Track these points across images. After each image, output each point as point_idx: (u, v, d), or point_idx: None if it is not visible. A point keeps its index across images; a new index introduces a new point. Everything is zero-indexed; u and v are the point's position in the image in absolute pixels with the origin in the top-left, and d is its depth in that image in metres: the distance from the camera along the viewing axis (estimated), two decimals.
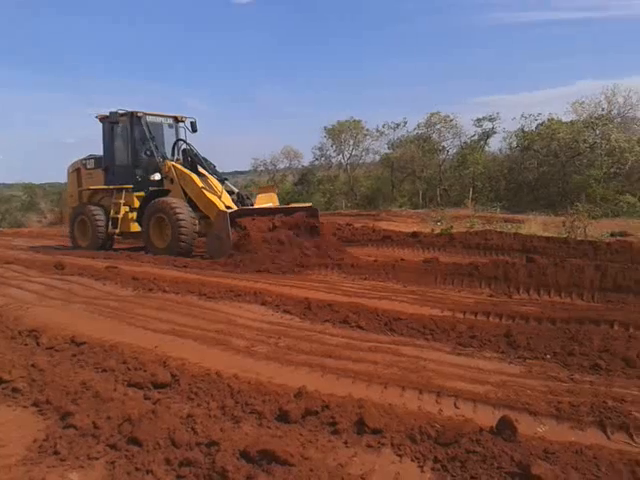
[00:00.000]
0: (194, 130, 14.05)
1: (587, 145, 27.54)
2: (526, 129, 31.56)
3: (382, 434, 3.04)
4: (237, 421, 3.24)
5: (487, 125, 34.19)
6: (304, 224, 11.20)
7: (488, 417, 3.26)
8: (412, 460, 2.83)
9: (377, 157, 37.86)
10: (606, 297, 6.71)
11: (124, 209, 13.23)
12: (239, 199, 12.00)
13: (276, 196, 12.63)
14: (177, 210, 11.51)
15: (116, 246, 14.32)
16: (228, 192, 12.02)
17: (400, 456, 2.86)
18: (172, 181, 12.41)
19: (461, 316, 5.87)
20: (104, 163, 13.92)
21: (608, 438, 3.07)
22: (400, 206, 29.89)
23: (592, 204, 19.33)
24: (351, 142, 36.85)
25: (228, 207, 11.15)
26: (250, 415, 3.34)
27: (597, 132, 27.97)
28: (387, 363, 4.44)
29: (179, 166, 12.42)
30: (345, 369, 4.28)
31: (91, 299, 7.17)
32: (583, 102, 30.22)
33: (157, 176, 12.74)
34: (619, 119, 29.90)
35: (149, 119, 13.37)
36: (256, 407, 3.40)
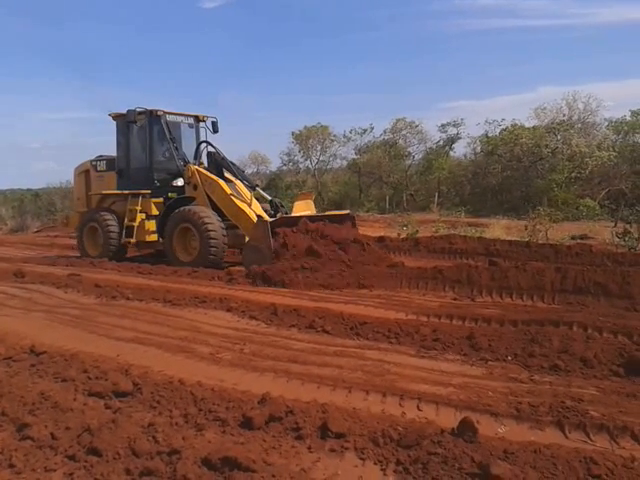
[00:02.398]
0: (215, 130, 12.90)
1: (549, 150, 28.15)
2: (490, 134, 32.09)
3: (345, 438, 3.06)
4: (200, 429, 3.21)
5: (452, 131, 34.64)
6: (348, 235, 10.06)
7: (450, 419, 3.30)
8: (375, 463, 2.85)
9: (344, 162, 37.99)
10: (566, 299, 6.87)
11: (140, 216, 11.75)
12: (272, 207, 11.06)
13: (313, 203, 11.66)
14: (206, 220, 10.36)
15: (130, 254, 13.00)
16: (257, 199, 11.00)
17: (363, 460, 2.88)
18: (195, 187, 11.21)
19: (425, 319, 5.94)
20: (117, 165, 12.50)
21: (566, 437, 3.14)
22: (367, 211, 30.03)
23: (554, 208, 19.72)
24: (318, 147, 36.89)
25: (259, 216, 10.22)
26: (213, 422, 3.31)
27: (558, 137, 28.62)
28: (352, 367, 4.46)
29: (204, 171, 11.26)
30: (310, 374, 4.29)
31: (52, 307, 7.02)
32: (545, 108, 30.88)
33: (180, 182, 11.60)
34: (579, 125, 30.62)
35: (168, 118, 12.04)
36: (220, 414, 3.38)
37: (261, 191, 11.58)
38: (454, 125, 34.26)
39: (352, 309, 6.39)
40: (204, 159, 12.21)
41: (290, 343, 5.26)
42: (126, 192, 12.00)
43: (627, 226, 13.46)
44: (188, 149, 12.40)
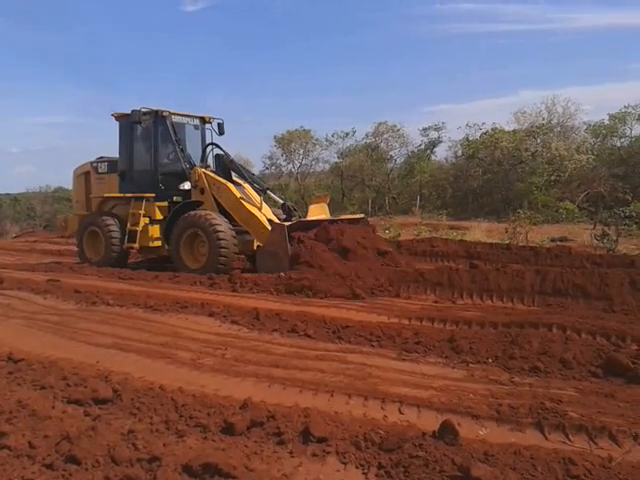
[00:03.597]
0: (221, 133, 12.55)
1: (529, 153, 28.48)
2: (471, 138, 32.38)
3: (327, 442, 3.05)
4: (181, 435, 3.19)
5: (433, 134, 34.92)
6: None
7: (431, 422, 3.32)
8: (357, 467, 2.85)
9: (327, 166, 38.12)
10: (546, 301, 6.95)
11: (144, 221, 11.27)
12: (285, 211, 10.65)
13: (327, 207, 11.18)
14: (216, 225, 9.94)
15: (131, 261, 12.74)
16: (265, 202, 10.74)
17: (345, 464, 2.88)
18: (203, 191, 10.79)
19: (407, 322, 5.97)
20: (120, 167, 11.96)
21: (545, 438, 3.17)
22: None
23: (533, 211, 19.95)
24: (301, 151, 36.94)
25: (271, 220, 10.04)
26: (194, 429, 3.29)
27: (538, 141, 29.00)
28: (334, 371, 4.46)
29: (211, 174, 10.87)
30: (292, 378, 4.28)
31: (31, 314, 6.92)
32: (525, 112, 31.31)
33: (187, 185, 11.15)
34: (559, 128, 31.07)
35: (174, 119, 11.58)
36: (201, 420, 3.36)
37: (272, 194, 11.21)
38: (435, 129, 34.57)
39: (334, 313, 6.40)
40: (210, 162, 11.90)
41: (272, 348, 5.25)
42: (129, 195, 11.58)
43: (605, 228, 13.67)
44: (193, 151, 12.00)
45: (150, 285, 8.82)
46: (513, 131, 30.39)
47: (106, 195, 12.14)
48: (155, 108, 11.28)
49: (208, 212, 10.33)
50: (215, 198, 10.63)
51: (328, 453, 2.97)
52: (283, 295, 7.66)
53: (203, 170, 10.93)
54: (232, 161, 11.34)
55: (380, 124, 35.29)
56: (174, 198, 11.33)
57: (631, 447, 2.92)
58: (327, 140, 36.71)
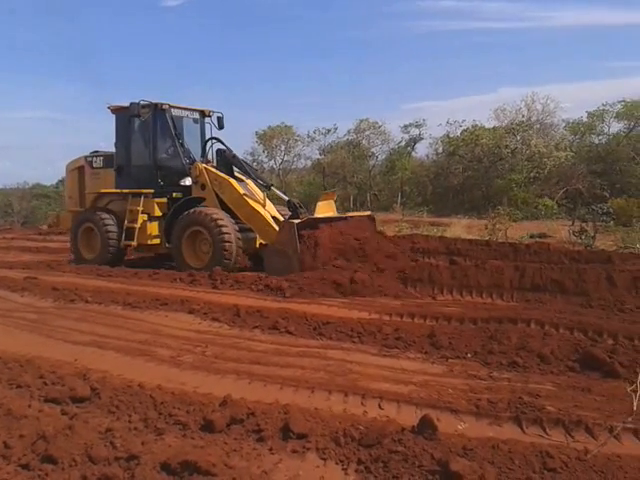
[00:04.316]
0: (221, 127, 12.08)
1: (509, 150, 28.76)
2: (451, 135, 32.62)
3: (307, 439, 3.05)
4: (160, 433, 3.17)
5: (414, 131, 35.14)
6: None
7: (411, 417, 3.33)
8: (336, 463, 2.86)
9: (309, 162, 38.15)
10: (524, 296, 7.03)
11: (142, 218, 10.85)
12: (290, 207, 10.11)
13: (334, 203, 10.69)
14: (220, 223, 9.61)
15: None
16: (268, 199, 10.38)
17: (324, 460, 2.88)
18: (204, 187, 10.42)
19: (387, 318, 5.98)
20: (117, 162, 11.52)
21: (523, 432, 3.21)
22: None
23: (513, 207, 20.20)
24: (282, 147, 36.91)
25: (274, 217, 9.83)
26: (174, 426, 3.27)
27: (518, 138, 29.28)
28: (315, 367, 4.47)
29: (213, 169, 10.48)
30: (273, 375, 4.28)
31: (7, 312, 6.82)
32: (505, 109, 31.59)
33: (188, 181, 10.75)
34: (538, 125, 31.40)
35: (173, 112, 11.13)
36: (180, 418, 3.34)
37: (277, 191, 10.75)
38: (416, 126, 34.79)
39: (315, 309, 6.40)
40: (211, 157, 11.52)
41: (253, 345, 5.23)
42: (126, 191, 11.14)
43: (583, 225, 13.87)
44: (193, 146, 11.60)
45: (129, 282, 8.74)
46: (493, 128, 30.68)
47: (103, 191, 11.65)
48: (154, 101, 10.87)
49: (211, 209, 9.99)
50: (217, 194, 10.30)
51: (308, 449, 2.97)
52: (264, 292, 7.63)
53: (204, 165, 10.58)
54: (234, 156, 10.98)
55: (361, 121, 35.43)
56: (174, 194, 11.00)
57: (606, 440, 2.96)
58: (309, 136, 36.74)
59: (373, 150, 36.39)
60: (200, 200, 10.44)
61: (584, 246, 11.88)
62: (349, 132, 36.03)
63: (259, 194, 10.38)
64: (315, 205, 9.89)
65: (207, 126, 12.11)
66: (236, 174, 10.75)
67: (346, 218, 9.85)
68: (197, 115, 12.01)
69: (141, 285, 8.41)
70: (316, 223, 9.05)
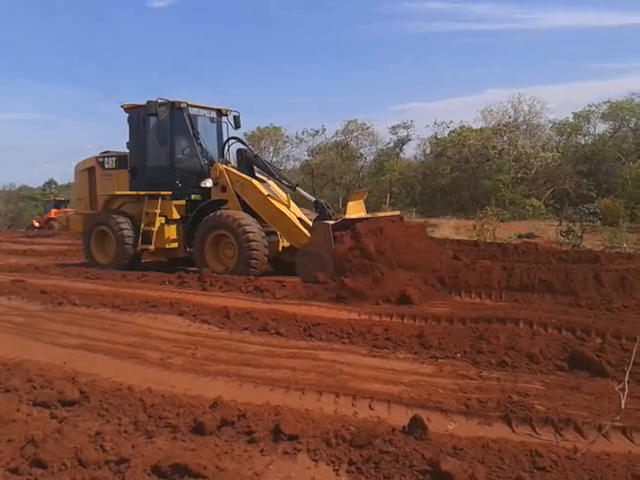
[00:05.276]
0: (237, 126, 11.77)
1: (496, 151, 28.95)
2: (439, 136, 32.79)
3: (298, 440, 3.05)
4: (150, 436, 3.15)
5: (402, 132, 35.35)
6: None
7: (401, 417, 3.34)
8: (327, 464, 2.86)
9: (297, 164, 38.20)
10: (513, 296, 7.07)
11: (159, 220, 10.39)
12: (318, 208, 9.62)
13: (364, 203, 10.15)
14: (246, 226, 9.19)
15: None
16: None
17: (316, 461, 2.88)
18: (224, 189, 10.06)
19: (377, 319, 6.00)
20: (131, 163, 11.12)
21: (513, 431, 3.23)
22: None
23: (501, 208, 20.31)
24: (271, 149, 36.94)
25: (299, 219, 9.53)
26: (164, 429, 3.25)
27: (505, 139, 29.49)
28: (305, 369, 4.47)
29: (234, 170, 10.15)
30: (263, 377, 4.27)
31: None
32: (492, 110, 31.80)
33: (209, 182, 10.33)
34: (525, 126, 31.65)
35: (191, 111, 10.74)
36: (170, 420, 3.32)
37: (302, 191, 10.16)
38: (404, 127, 35.01)
39: (305, 310, 6.41)
40: (229, 157, 11.38)
41: (243, 346, 5.23)
42: (143, 193, 10.66)
43: (571, 225, 13.98)
44: (209, 146, 11.18)
45: (118, 284, 8.69)
46: (480, 129, 30.87)
47: (117, 193, 11.20)
48: (172, 99, 10.50)
49: (237, 212, 9.62)
50: (238, 196, 9.95)
51: (299, 451, 2.97)
52: (253, 293, 7.61)
53: (225, 166, 10.23)
54: (256, 156, 10.69)
55: (350, 122, 35.57)
56: (192, 196, 10.66)
57: (595, 438, 2.98)
58: (297, 138, 36.79)
59: (361, 151, 36.63)
60: (222, 202, 10.09)
61: (571, 246, 11.98)
62: (337, 133, 36.19)
63: (282, 195, 10.05)
64: (347, 205, 9.33)
65: (223, 125, 11.74)
66: (257, 175, 10.44)
67: (377, 219, 9.23)
68: (214, 114, 11.60)
69: (130, 287, 8.36)
70: (350, 224, 8.65)
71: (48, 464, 2.79)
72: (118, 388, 3.89)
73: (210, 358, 4.83)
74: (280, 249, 9.97)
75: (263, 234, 9.39)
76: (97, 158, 11.79)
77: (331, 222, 8.50)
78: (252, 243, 9.14)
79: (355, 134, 36.05)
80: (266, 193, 9.72)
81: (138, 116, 10.94)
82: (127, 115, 11.22)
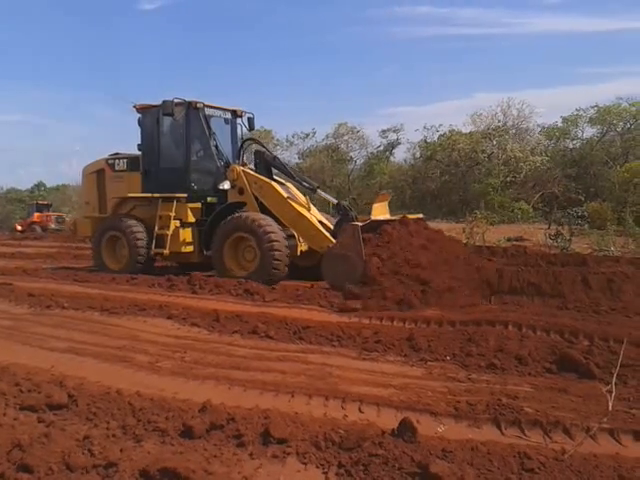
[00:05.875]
0: (251, 128, 11.56)
1: (485, 155, 29.11)
2: (428, 140, 32.93)
3: (287, 443, 3.04)
4: (139, 440, 3.13)
5: (392, 136, 35.44)
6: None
7: (391, 420, 3.34)
8: (317, 467, 2.85)
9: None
10: (502, 299, 7.09)
11: (174, 224, 10.08)
12: (340, 210, 9.43)
13: (387, 205, 9.90)
14: (268, 229, 8.91)
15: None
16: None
17: (305, 464, 2.88)
18: (242, 191, 9.79)
19: (367, 322, 6.00)
20: (143, 165, 10.80)
21: (502, 433, 3.24)
22: None
23: (490, 211, 20.40)
24: None
25: (320, 222, 9.29)
26: (153, 433, 3.23)
27: (494, 143, 29.65)
28: (295, 372, 4.47)
29: (251, 172, 9.89)
30: (253, 380, 4.26)
31: None
32: (481, 114, 31.97)
33: (227, 185, 10.00)
34: (514, 130, 31.84)
35: (206, 112, 10.46)
36: (159, 424, 3.30)
37: (323, 193, 9.95)
38: (394, 131, 35.11)
39: (295, 313, 6.40)
40: (245, 159, 11.02)
41: (232, 349, 5.21)
42: (157, 196, 10.33)
43: (559, 228, 14.07)
44: (224, 147, 10.87)
45: (107, 288, 8.64)
46: (469, 133, 31.03)
47: (130, 195, 10.81)
48: (188, 99, 10.23)
49: (258, 215, 9.31)
50: (256, 198, 9.70)
51: (288, 454, 2.96)
52: (243, 296, 7.60)
53: (242, 168, 9.96)
54: (275, 158, 10.44)
55: (340, 125, 35.63)
56: (208, 199, 10.39)
57: (583, 440, 3.00)
58: (287, 141, 36.80)
59: (352, 154, 36.68)
60: (240, 205, 9.87)
61: (560, 249, 12.05)
62: (327, 137, 36.22)
63: (301, 198, 9.86)
64: (372, 207, 9.14)
65: (238, 127, 11.53)
66: (275, 177, 10.22)
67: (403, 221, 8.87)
68: (229, 115, 11.33)
69: (119, 290, 8.32)
70: (379, 225, 8.45)
71: (35, 469, 2.76)
72: (106, 392, 3.87)
73: (199, 361, 4.81)
74: (298, 253, 9.69)
75: (285, 237, 9.13)
76: (107, 160, 11.43)
77: (360, 223, 8.22)
78: (275, 247, 8.86)
79: (345, 137, 36.16)
80: (286, 195, 9.51)
81: (152, 117, 10.65)
82: (139, 116, 10.96)
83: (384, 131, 35.52)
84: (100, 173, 11.49)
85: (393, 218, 8.93)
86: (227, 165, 10.25)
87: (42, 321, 6.49)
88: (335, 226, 9.15)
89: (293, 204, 9.38)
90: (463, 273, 7.70)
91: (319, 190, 9.85)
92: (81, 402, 3.68)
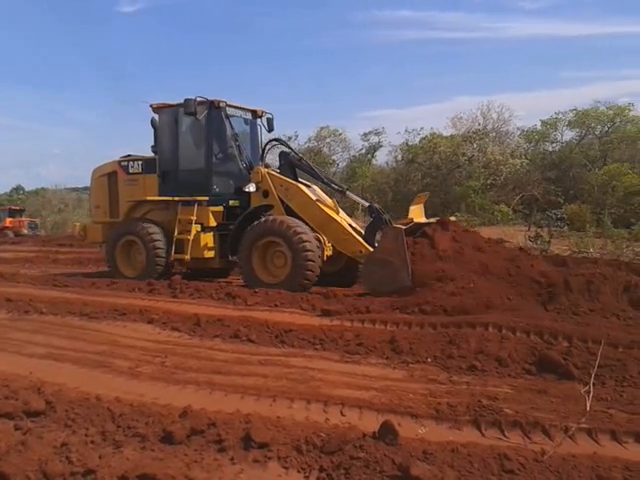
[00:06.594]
0: (270, 129, 11.16)
1: (466, 158, 29.34)
2: (410, 143, 33.10)
3: (269, 448, 3.03)
4: (118, 446, 3.10)
5: (374, 139, 35.54)
6: None
7: (372, 422, 3.34)
8: (298, 471, 2.85)
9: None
10: None
11: (195, 228, 9.64)
12: (372, 213, 8.96)
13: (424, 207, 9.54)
14: (302, 235, 8.49)
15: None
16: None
17: (286, 468, 2.87)
18: (266, 194, 9.35)
19: (349, 325, 6.00)
20: (160, 167, 10.32)
21: (482, 435, 3.26)
22: None
23: (471, 213, 20.55)
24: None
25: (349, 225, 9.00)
26: (132, 439, 3.20)
27: (474, 146, 29.91)
28: (277, 376, 4.45)
29: (277, 174, 9.50)
30: (234, 385, 4.24)
31: None
32: (461, 117, 32.26)
33: (252, 187, 9.50)
34: (494, 133, 32.16)
35: (228, 111, 10.01)
36: (139, 430, 3.27)
37: (353, 196, 9.56)
38: (376, 134, 35.24)
39: (277, 317, 6.38)
40: (267, 160, 10.67)
41: (214, 354, 5.18)
42: (177, 199, 9.88)
43: (539, 230, 14.22)
44: (245, 148, 10.42)
45: (86, 292, 8.53)
46: (450, 136, 31.25)
47: (149, 199, 10.30)
48: (210, 98, 9.79)
49: (289, 218, 8.88)
50: (282, 201, 9.27)
51: (270, 458, 2.95)
52: (224, 300, 7.55)
53: (267, 170, 9.57)
54: (301, 159, 10.06)
55: (322, 128, 35.66)
56: (230, 202, 9.91)
57: (562, 440, 3.03)
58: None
59: (334, 157, 36.70)
60: (266, 209, 9.44)
61: (540, 251, 12.17)
62: (310, 140, 36.23)
63: (329, 200, 9.50)
64: (410, 209, 8.70)
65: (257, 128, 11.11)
66: (300, 179, 9.87)
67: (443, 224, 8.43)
68: (249, 115, 10.89)
69: (98, 295, 8.22)
70: (419, 228, 8.16)
71: (11, 477, 2.72)
72: (85, 398, 3.82)
73: (180, 366, 4.78)
74: (325, 258, 9.08)
75: (318, 243, 8.73)
76: (119, 162, 10.88)
77: (403, 227, 7.82)
78: (308, 253, 8.45)
79: (327, 140, 36.23)
80: (315, 198, 9.15)
81: (170, 116, 10.24)
82: (154, 116, 10.57)
83: (366, 134, 35.68)
84: (112, 176, 10.97)
85: (432, 220, 8.65)
86: (250, 167, 9.92)
87: (20, 327, 6.39)
88: (366, 229, 8.89)
89: (322, 207, 9.00)
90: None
91: (348, 192, 9.53)
92: (59, 408, 3.63)
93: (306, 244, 8.45)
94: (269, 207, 9.38)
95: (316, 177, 9.81)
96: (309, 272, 8.44)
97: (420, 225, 8.24)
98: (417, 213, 8.80)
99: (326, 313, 6.46)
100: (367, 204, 9.26)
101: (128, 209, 10.66)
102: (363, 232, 8.93)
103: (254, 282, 8.79)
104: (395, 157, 35.25)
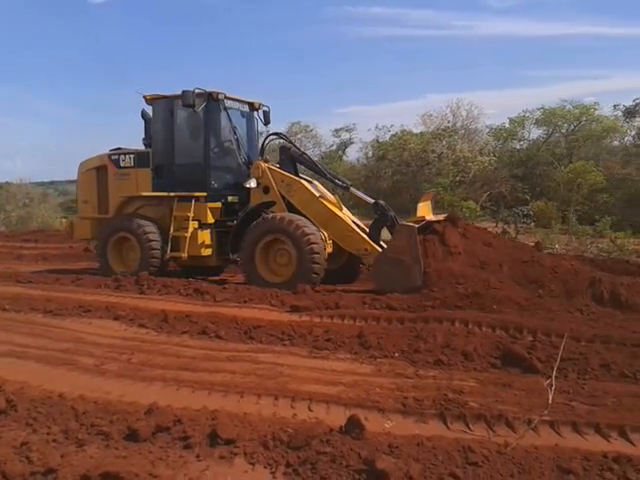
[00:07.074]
0: (267, 122, 10.76)
1: (435, 155, 29.55)
2: (380, 140, 33.22)
3: (235, 444, 3.02)
4: (81, 445, 3.05)
5: (345, 135, 35.59)
6: None
7: (340, 417, 3.35)
8: (265, 467, 2.85)
9: None
10: None
11: (192, 225, 9.27)
12: (377, 210, 8.66)
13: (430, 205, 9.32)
14: (307, 231, 8.23)
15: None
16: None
17: (253, 464, 2.87)
18: (267, 189, 9.05)
19: (318, 320, 6.01)
20: (154, 161, 9.83)
21: (448, 428, 3.31)
22: None
23: (440, 210, 20.69)
24: None
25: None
26: (96, 437, 3.15)
27: (444, 143, 30.13)
28: (245, 372, 4.44)
29: (278, 169, 9.14)
30: (201, 381, 4.22)
31: None
32: (431, 114, 32.48)
33: (253, 182, 9.17)
34: (463, 131, 32.48)
35: (226, 103, 9.61)
36: (103, 428, 3.22)
37: (357, 192, 9.27)
38: (347, 130, 35.27)
39: (246, 313, 6.34)
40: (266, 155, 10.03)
41: (181, 350, 5.13)
42: (173, 194, 9.45)
43: (506, 226, 14.43)
44: (242, 142, 10.05)
45: (51, 289, 8.34)
46: (420, 133, 31.46)
47: (144, 194, 9.80)
48: (208, 89, 9.36)
49: (293, 215, 8.61)
50: (283, 197, 9.00)
51: (236, 455, 2.94)
52: (193, 296, 7.48)
53: (267, 165, 9.21)
54: (304, 154, 9.78)
55: (293, 124, 35.55)
56: (229, 198, 9.64)
57: (525, 432, 3.08)
58: None
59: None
60: (267, 205, 9.21)
61: None
62: None
63: (331, 197, 9.23)
64: (417, 206, 8.63)
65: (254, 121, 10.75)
66: (301, 175, 9.56)
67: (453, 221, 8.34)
68: (247, 107, 10.46)
69: (63, 291, 8.05)
70: (429, 226, 7.99)
71: None
72: (48, 396, 3.75)
73: (147, 363, 4.72)
74: (326, 255, 8.77)
75: (323, 240, 8.50)
76: (110, 156, 10.30)
77: (415, 224, 7.62)
78: (314, 246, 8.21)
79: (299, 136, 36.11)
80: (317, 194, 8.89)
81: (164, 108, 9.78)
82: (145, 107, 10.14)
83: (337, 130, 35.74)
84: (101, 170, 10.42)
85: (441, 217, 8.51)
86: (249, 162, 9.65)
87: None
88: (371, 227, 8.65)
89: (326, 203, 8.76)
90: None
91: (352, 188, 9.27)
92: (21, 407, 3.56)
93: (310, 237, 8.23)
94: (270, 204, 9.17)
95: (319, 173, 9.51)
96: (317, 265, 8.22)
97: (430, 223, 8.14)
98: (425, 210, 8.72)
99: (295, 309, 6.44)
100: (372, 201, 8.93)
101: (119, 205, 10.17)
102: (367, 229, 8.73)
103: (257, 281, 8.52)
104: (366, 154, 35.39)
